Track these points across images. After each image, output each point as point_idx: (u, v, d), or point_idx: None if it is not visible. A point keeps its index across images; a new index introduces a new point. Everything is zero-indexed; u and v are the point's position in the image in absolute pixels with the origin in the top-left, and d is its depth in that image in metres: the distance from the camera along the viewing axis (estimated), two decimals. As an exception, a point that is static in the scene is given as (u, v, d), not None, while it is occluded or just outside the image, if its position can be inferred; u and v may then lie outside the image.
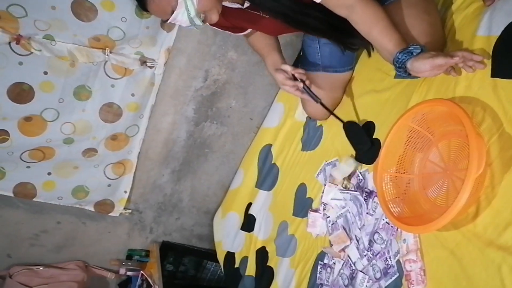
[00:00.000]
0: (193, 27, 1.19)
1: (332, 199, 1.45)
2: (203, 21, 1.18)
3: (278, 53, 1.47)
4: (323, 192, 1.50)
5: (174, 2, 1.12)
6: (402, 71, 1.10)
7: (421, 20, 1.22)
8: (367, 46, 1.39)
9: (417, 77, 1.15)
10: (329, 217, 1.47)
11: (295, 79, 1.35)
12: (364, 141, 1.39)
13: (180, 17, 1.14)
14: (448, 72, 1.07)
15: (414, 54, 1.06)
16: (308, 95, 1.36)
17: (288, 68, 1.35)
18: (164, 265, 2.22)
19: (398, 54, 1.09)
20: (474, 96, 1.04)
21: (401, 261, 1.12)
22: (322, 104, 1.41)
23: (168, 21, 1.16)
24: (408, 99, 1.26)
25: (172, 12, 1.14)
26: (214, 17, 1.18)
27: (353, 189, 1.40)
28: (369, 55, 1.44)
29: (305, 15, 1.25)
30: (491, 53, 1.02)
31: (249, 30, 1.50)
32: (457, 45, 1.15)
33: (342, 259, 1.36)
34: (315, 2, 1.18)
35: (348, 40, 1.36)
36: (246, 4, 1.29)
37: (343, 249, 1.36)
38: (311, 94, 1.36)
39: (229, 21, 1.40)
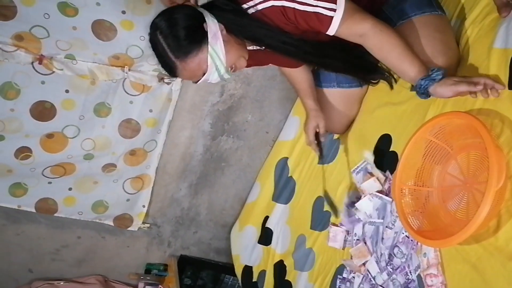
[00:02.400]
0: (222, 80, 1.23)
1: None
2: (234, 71, 1.22)
3: (314, 96, 1.57)
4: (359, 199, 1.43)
5: (205, 66, 1.14)
6: (424, 96, 1.11)
7: (434, 39, 1.22)
8: (389, 79, 1.38)
9: None
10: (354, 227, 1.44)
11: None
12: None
13: (211, 77, 1.17)
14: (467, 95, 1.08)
15: (437, 80, 1.07)
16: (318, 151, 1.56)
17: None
18: (182, 279, 2.22)
19: (420, 81, 1.09)
20: (492, 109, 1.03)
21: (421, 275, 1.11)
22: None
23: (198, 82, 1.19)
24: (425, 111, 1.25)
25: (203, 74, 1.16)
26: (243, 64, 1.23)
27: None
28: (391, 87, 1.42)
29: (325, 57, 1.29)
30: (508, 65, 1.02)
31: None
32: (474, 58, 1.15)
33: (362, 274, 1.35)
34: (334, 42, 1.20)
35: (368, 76, 1.38)
36: None
37: (363, 264, 1.35)
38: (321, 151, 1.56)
39: (255, 60, 1.40)
